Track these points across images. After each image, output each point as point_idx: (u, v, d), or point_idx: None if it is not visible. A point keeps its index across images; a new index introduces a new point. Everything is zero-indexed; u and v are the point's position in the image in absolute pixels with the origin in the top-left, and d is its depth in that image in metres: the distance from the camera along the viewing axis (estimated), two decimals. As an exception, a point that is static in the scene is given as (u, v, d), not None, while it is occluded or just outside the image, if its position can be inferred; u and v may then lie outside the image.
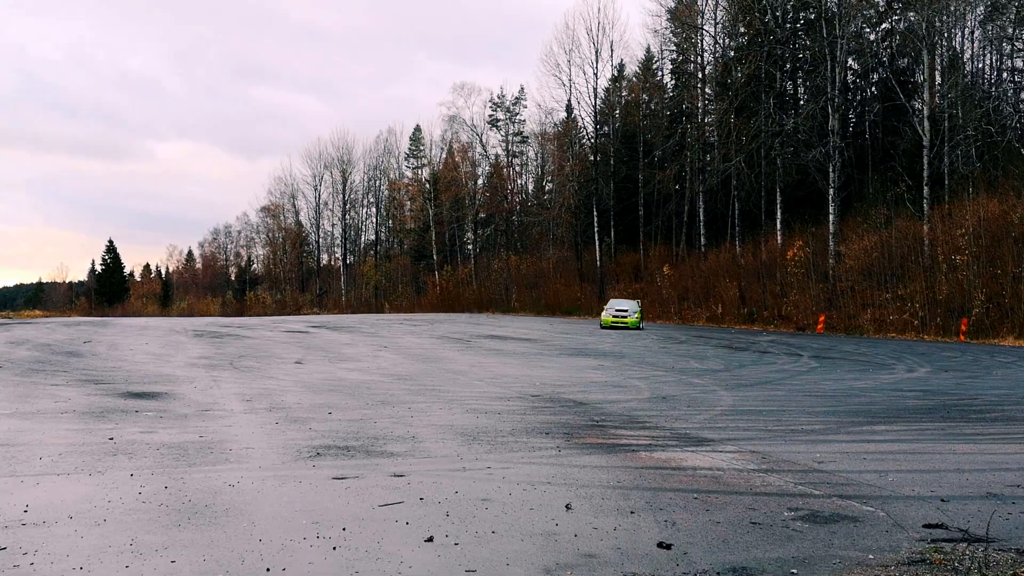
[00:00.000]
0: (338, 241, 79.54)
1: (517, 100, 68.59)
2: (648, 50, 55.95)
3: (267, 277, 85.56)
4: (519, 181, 71.97)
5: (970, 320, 27.55)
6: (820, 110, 37.49)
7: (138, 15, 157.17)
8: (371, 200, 79.15)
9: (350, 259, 79.10)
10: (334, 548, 4.62)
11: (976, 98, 37.44)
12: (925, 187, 33.50)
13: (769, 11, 41.19)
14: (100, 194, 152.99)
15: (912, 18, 37.97)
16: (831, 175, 35.69)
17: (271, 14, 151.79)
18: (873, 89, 44.94)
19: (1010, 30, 39.06)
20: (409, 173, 77.65)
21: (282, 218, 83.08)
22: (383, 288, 71.45)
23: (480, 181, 68.15)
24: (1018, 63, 40.99)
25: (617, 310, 33.60)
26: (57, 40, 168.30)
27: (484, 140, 67.07)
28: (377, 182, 78.02)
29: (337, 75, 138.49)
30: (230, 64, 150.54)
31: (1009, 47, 40.37)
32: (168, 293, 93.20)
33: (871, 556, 4.60)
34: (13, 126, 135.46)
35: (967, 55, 43.10)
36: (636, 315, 32.93)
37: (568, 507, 5.56)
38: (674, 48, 52.71)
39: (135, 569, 4.26)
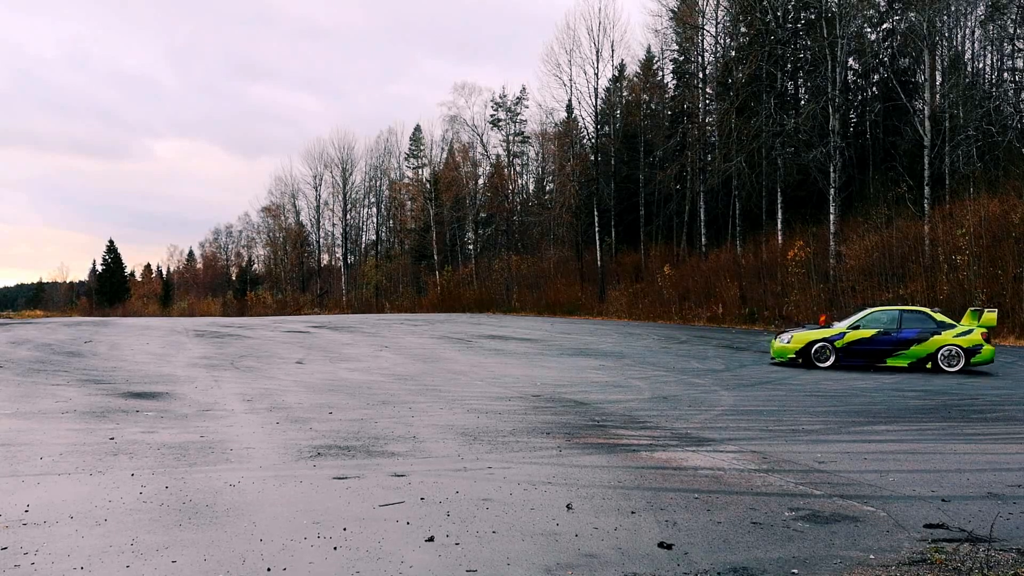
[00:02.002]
0: (339, 241, 79.56)
1: (518, 100, 68.59)
2: (649, 50, 55.98)
3: (268, 277, 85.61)
4: (520, 181, 72.00)
5: (971, 320, 27.55)
6: (821, 110, 37.47)
7: (133, 12, 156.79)
8: (372, 200, 79.25)
9: (351, 259, 79.11)
10: (335, 548, 4.62)
11: (977, 98, 37.42)
12: (926, 187, 33.48)
13: (770, 11, 41.17)
14: (100, 193, 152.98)
15: (913, 18, 37.94)
16: (832, 175, 35.66)
17: (268, 11, 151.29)
18: (874, 89, 44.93)
19: (1011, 30, 39.03)
20: (410, 173, 77.71)
21: (283, 218, 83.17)
22: (384, 288, 71.43)
23: (481, 181, 68.15)
24: (1019, 63, 40.93)
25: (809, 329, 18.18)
26: (52, 38, 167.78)
27: (485, 140, 67.07)
28: (378, 182, 78.12)
29: (336, 73, 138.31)
30: (227, 62, 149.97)
31: (1010, 47, 40.35)
32: (169, 293, 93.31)
33: (872, 556, 4.60)
34: (11, 125, 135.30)
35: (968, 55, 43.12)
36: (790, 340, 17.70)
37: (569, 507, 5.56)
38: (675, 48, 52.75)
39: (136, 569, 4.26)
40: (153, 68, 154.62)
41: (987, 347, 16.83)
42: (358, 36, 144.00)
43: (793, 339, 17.81)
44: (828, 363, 17.44)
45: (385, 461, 7.13)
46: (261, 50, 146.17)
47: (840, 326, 17.86)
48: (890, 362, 17.30)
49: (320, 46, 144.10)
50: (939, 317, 17.44)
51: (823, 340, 17.53)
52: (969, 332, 16.94)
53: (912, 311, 17.91)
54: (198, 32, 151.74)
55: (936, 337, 17.02)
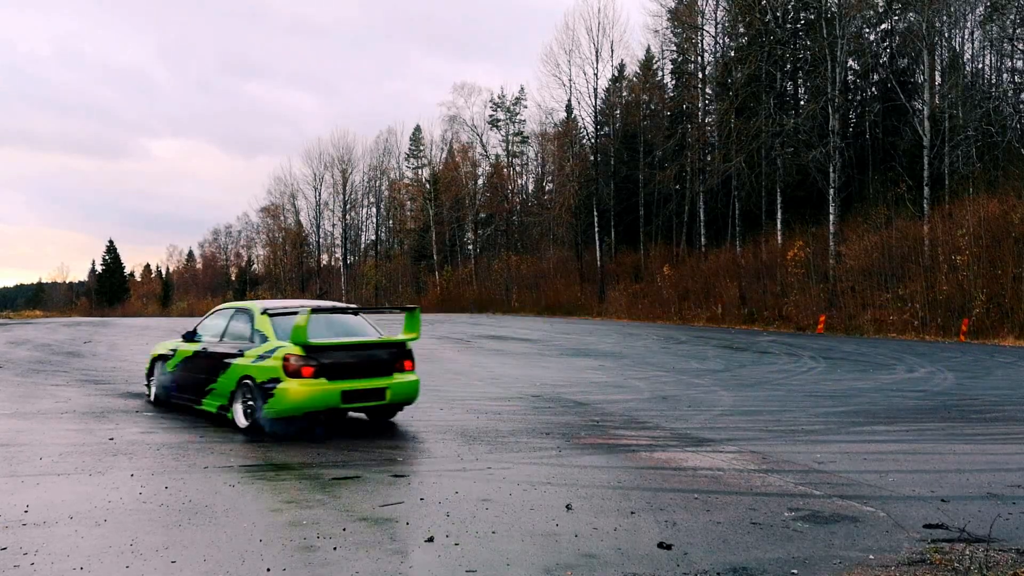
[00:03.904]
0: (338, 241, 79.54)
1: (517, 100, 68.63)
2: (648, 50, 55.97)
3: (267, 277, 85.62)
4: (519, 181, 72.01)
5: (970, 320, 27.55)
6: (820, 110, 37.46)
7: (125, 8, 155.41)
8: (371, 200, 79.23)
9: (350, 259, 79.10)
10: (334, 548, 4.62)
11: (976, 98, 37.42)
12: (925, 187, 33.48)
13: (769, 11, 41.19)
14: (98, 193, 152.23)
15: (912, 18, 37.98)
16: (831, 175, 35.67)
17: (261, 7, 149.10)
18: (873, 89, 44.93)
19: (1011, 30, 39.03)
20: (409, 173, 77.74)
21: (282, 218, 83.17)
22: (383, 288, 71.44)
23: (480, 181, 68.19)
24: (1018, 63, 40.96)
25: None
26: (45, 35, 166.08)
27: (484, 140, 67.14)
28: (377, 182, 78.09)
29: (333, 71, 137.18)
30: (221, 59, 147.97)
31: (1009, 47, 40.36)
32: (168, 293, 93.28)
33: (871, 556, 4.60)
34: (6, 124, 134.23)
35: (967, 55, 43.13)
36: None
37: (568, 507, 5.56)
38: (674, 48, 52.74)
39: (135, 569, 4.26)
40: (147, 65, 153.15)
41: (291, 387, 8.03)
42: (354, 33, 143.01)
43: (152, 354, 10.91)
44: (152, 395, 10.56)
45: (385, 461, 7.13)
46: (255, 47, 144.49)
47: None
48: (206, 404, 9.38)
49: (315, 43, 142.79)
50: (262, 324, 8.86)
51: (160, 357, 10.49)
52: (270, 353, 8.37)
53: (241, 309, 9.60)
54: (191, 28, 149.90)
55: (239, 361, 8.77)
